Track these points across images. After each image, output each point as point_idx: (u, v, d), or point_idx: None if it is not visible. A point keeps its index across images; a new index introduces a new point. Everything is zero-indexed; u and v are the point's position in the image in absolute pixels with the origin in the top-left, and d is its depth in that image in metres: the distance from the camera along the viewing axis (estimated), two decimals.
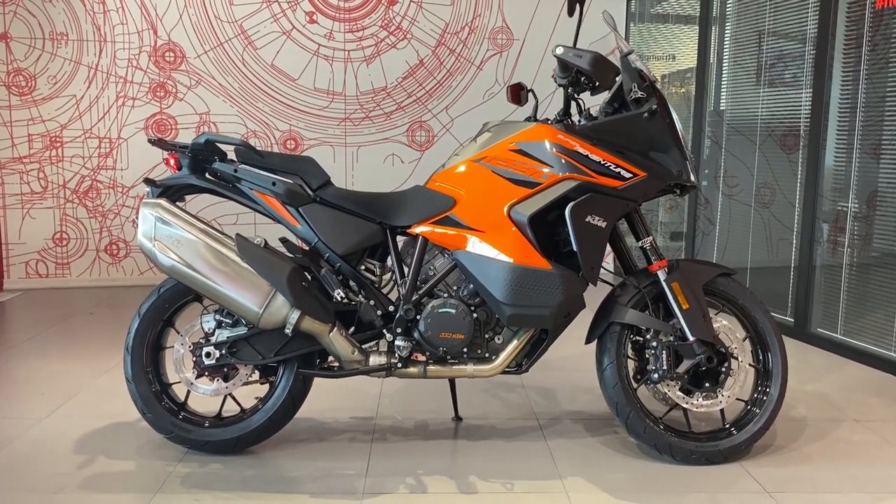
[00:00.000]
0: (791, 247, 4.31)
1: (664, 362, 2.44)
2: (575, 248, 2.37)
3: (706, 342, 2.47)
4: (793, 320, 4.22)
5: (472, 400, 3.05)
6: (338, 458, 2.51)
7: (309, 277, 2.40)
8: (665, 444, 2.46)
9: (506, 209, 2.39)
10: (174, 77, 5.20)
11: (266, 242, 2.40)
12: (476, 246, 2.40)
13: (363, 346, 2.48)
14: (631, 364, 2.58)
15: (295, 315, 2.32)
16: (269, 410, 2.47)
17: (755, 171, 4.70)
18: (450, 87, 5.45)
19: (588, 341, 2.56)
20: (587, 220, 2.37)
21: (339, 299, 2.37)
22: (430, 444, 2.62)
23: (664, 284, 2.49)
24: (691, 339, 2.46)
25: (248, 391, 2.57)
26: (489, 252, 2.38)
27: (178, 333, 2.51)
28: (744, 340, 2.58)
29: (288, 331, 2.34)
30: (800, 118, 4.26)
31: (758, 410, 2.53)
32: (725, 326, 2.54)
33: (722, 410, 2.55)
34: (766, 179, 4.60)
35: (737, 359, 2.53)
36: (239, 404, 2.57)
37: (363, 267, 2.52)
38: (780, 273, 4.39)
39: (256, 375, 2.54)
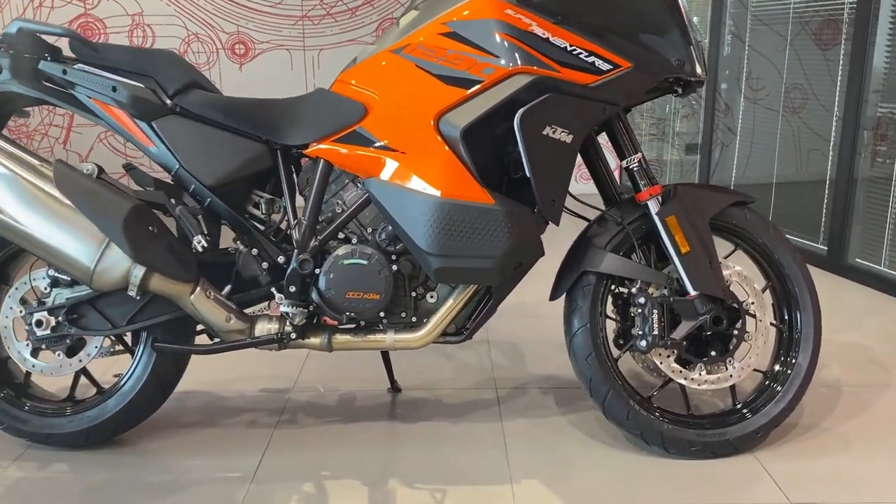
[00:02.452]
0: (826, 160, 3.57)
1: (655, 325, 1.79)
2: (528, 174, 1.69)
3: (713, 297, 1.81)
4: (826, 248, 3.53)
5: (417, 362, 2.43)
6: (226, 451, 1.92)
7: (162, 220, 1.75)
8: (655, 433, 1.84)
9: (433, 119, 1.70)
10: None
11: (100, 171, 1.75)
12: (392, 172, 1.72)
13: (248, 311, 1.85)
14: (611, 325, 1.94)
15: (139, 272, 1.69)
16: (127, 394, 1.87)
17: (784, 71, 3.92)
18: None
19: (553, 297, 1.90)
20: (545, 132, 1.67)
21: (201, 249, 1.72)
22: (348, 430, 2.02)
23: (656, 219, 1.81)
24: (692, 293, 1.80)
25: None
26: (408, 181, 1.70)
27: (8, 291, 1.89)
28: (763, 291, 1.92)
29: (132, 293, 1.71)
30: (843, 5, 3.45)
31: (780, 386, 1.89)
32: (739, 274, 1.88)
33: (733, 387, 1.91)
34: (797, 81, 3.83)
35: (754, 317, 1.87)
36: (96, 384, 1.97)
37: (250, 203, 1.87)
38: (811, 191, 3.67)
39: (120, 344, 1.93)
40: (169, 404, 2.13)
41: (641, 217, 1.85)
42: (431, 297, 1.84)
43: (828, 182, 3.57)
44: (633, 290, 1.83)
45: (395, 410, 2.13)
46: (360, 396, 2.22)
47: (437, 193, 1.67)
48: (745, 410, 1.89)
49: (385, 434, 2.00)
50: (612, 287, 1.89)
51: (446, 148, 1.69)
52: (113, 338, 1.89)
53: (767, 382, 1.92)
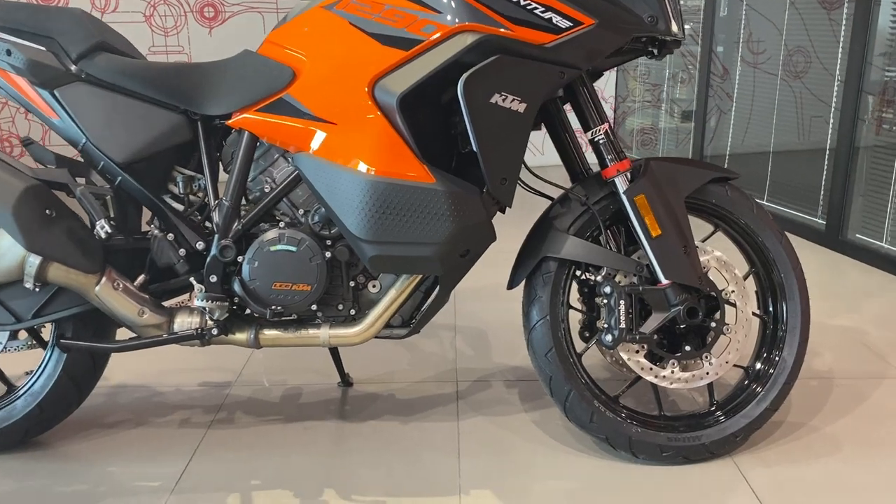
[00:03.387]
0: (828, 127, 3.34)
1: (622, 317, 1.59)
2: (474, 148, 1.47)
3: (687, 286, 1.61)
4: (824, 223, 3.31)
5: (374, 353, 2.25)
6: (149, 456, 1.74)
7: (63, 202, 1.55)
8: (622, 437, 1.65)
9: (368, 86, 1.49)
10: None
11: None
12: (321, 146, 1.52)
13: (166, 304, 1.66)
14: (576, 316, 1.74)
15: (34, 261, 1.49)
16: (37, 395, 1.68)
17: (784, 31, 3.67)
18: None
19: (511, 286, 1.70)
20: (493, 100, 1.46)
21: (104, 235, 1.52)
22: (288, 431, 1.84)
23: (624, 198, 1.60)
24: (664, 282, 1.60)
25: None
26: (338, 156, 1.49)
27: None
28: (746, 278, 1.72)
29: (28, 284, 1.52)
30: None
31: (762, 385, 1.70)
32: (719, 259, 1.67)
33: (711, 385, 1.72)
34: (799, 43, 3.58)
35: (734, 306, 1.67)
36: (7, 382, 1.79)
37: (171, 182, 1.66)
38: (812, 160, 3.45)
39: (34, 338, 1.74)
40: (96, 400, 1.97)
41: (609, 196, 1.64)
42: (374, 286, 1.65)
43: (827, 151, 3.34)
44: (599, 278, 1.63)
45: (343, 408, 1.95)
46: (308, 391, 2.03)
47: (370, 171, 1.46)
48: (722, 411, 1.70)
49: (328, 435, 1.81)
50: (579, 274, 1.69)
51: (382, 118, 1.48)
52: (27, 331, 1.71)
53: (748, 381, 1.73)
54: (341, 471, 1.67)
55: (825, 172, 3.36)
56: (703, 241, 1.69)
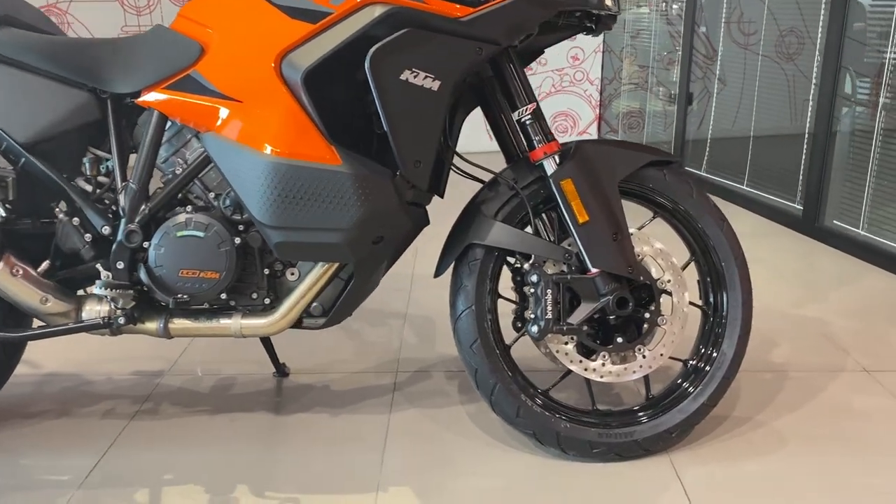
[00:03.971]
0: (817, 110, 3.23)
1: (549, 307, 1.51)
2: (385, 128, 1.39)
3: (617, 276, 1.53)
4: (801, 209, 3.22)
5: (316, 341, 2.18)
6: (64, 448, 1.67)
7: None
8: (550, 433, 1.57)
9: (275, 61, 1.40)
10: None
11: None
12: (226, 125, 1.44)
13: (74, 291, 1.59)
14: (508, 307, 1.66)
15: None
16: None
17: (775, 13, 3.57)
18: None
19: (437, 273, 1.63)
20: (403, 77, 1.37)
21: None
22: (213, 423, 1.77)
23: (551, 182, 1.52)
24: (593, 271, 1.52)
25: None
26: (243, 136, 1.42)
27: None
28: (684, 268, 1.63)
29: None
30: None
31: (699, 379, 1.62)
32: (654, 247, 1.59)
33: (647, 379, 1.64)
34: (792, 24, 3.47)
35: (670, 294, 1.59)
36: None
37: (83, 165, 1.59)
38: (794, 145, 3.34)
39: None
40: (22, 389, 1.91)
41: (539, 180, 1.56)
42: (292, 274, 1.57)
43: (806, 134, 3.24)
44: (526, 266, 1.55)
45: (273, 399, 1.88)
46: (241, 382, 1.97)
47: (272, 152, 1.38)
48: (657, 406, 1.62)
49: (253, 428, 1.75)
50: (513, 261, 1.61)
51: (289, 96, 1.39)
52: None
53: (679, 381, 1.65)
54: (260, 466, 1.60)
55: (804, 157, 3.26)
56: (640, 228, 1.61)
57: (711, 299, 1.64)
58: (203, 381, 1.97)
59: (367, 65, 1.35)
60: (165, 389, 1.93)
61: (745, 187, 3.69)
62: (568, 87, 5.14)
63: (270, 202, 1.38)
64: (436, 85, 1.38)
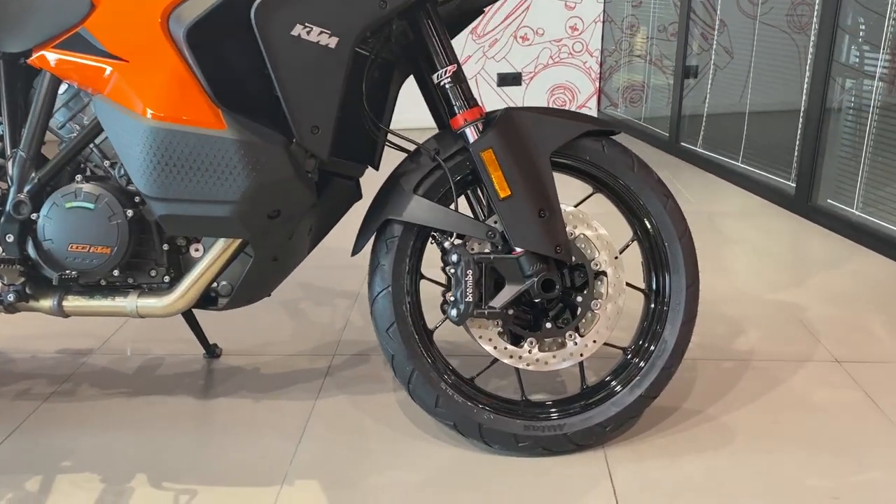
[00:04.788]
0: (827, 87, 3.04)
1: (468, 289, 1.39)
2: (276, 90, 1.27)
3: (545, 256, 1.40)
4: (794, 186, 3.05)
5: (257, 319, 2.08)
6: None
7: None
8: (472, 425, 1.46)
9: (161, 16, 1.28)
10: None
11: None
12: (113, 86, 1.32)
13: None
14: (433, 289, 1.54)
15: None
16: None
17: None
18: None
19: (354, 251, 1.51)
20: (294, 32, 1.24)
21: None
22: (129, 406, 1.68)
23: (472, 152, 1.39)
24: (517, 250, 1.39)
25: None
26: (126, 98, 1.30)
27: None
28: (621, 251, 1.49)
29: None
30: None
31: (636, 369, 1.49)
32: (589, 225, 1.46)
33: (581, 367, 1.52)
34: None
35: (604, 274, 1.45)
36: None
37: None
38: (791, 120, 3.16)
39: None
40: None
41: (463, 151, 1.43)
42: (196, 250, 1.46)
43: (802, 109, 3.06)
44: (446, 244, 1.43)
45: (197, 382, 1.79)
46: (169, 363, 1.87)
47: (153, 115, 1.26)
48: (590, 398, 1.50)
49: (169, 413, 1.65)
50: (439, 239, 1.49)
51: (174, 55, 1.27)
52: None
53: (625, 362, 1.52)
54: (165, 454, 1.51)
55: (798, 132, 3.08)
56: (577, 205, 1.48)
57: (654, 283, 1.51)
58: (130, 362, 1.88)
59: (252, 19, 1.22)
60: (89, 369, 1.84)
61: (740, 164, 3.51)
62: (566, 58, 4.96)
63: (151, 171, 1.26)
64: (333, 42, 1.25)
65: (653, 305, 1.51)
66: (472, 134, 1.38)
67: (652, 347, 1.48)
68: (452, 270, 1.41)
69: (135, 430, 1.59)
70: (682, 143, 4.01)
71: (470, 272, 1.39)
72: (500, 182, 1.36)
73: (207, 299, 1.47)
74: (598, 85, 5.04)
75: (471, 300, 1.39)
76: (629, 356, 1.51)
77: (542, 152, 1.41)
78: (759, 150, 3.42)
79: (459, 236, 1.42)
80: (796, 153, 3.09)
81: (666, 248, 1.47)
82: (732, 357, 1.86)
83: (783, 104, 3.29)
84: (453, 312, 1.40)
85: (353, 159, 1.57)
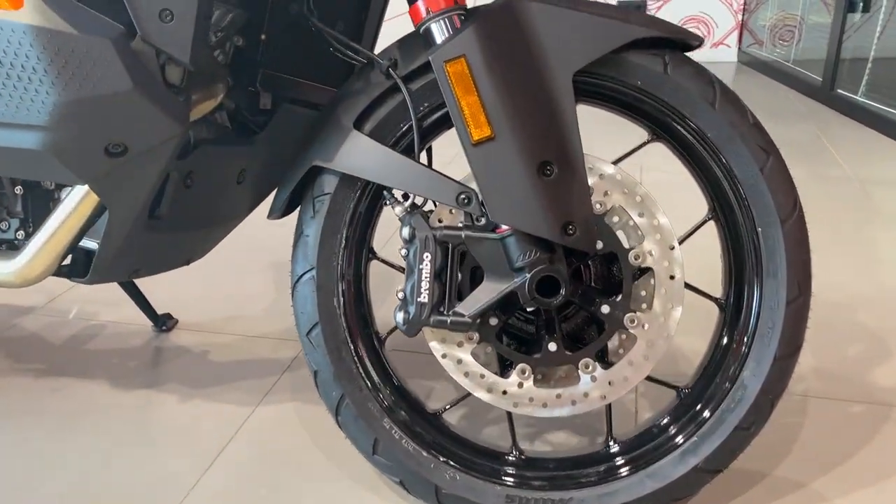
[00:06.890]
0: None
1: (423, 283, 0.88)
2: None
3: (543, 239, 0.86)
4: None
5: (219, 294, 1.67)
6: None
7: None
8: (426, 485, 0.96)
9: None
10: None
11: None
12: None
13: None
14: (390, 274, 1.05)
15: None
16: None
17: None
18: None
19: (272, 212, 1.03)
20: None
21: None
22: (46, 386, 1.31)
23: (431, 63, 0.86)
24: (503, 228, 0.87)
25: None
26: None
27: None
28: (683, 238, 0.93)
29: None
30: None
31: (693, 425, 0.93)
32: (628, 193, 0.90)
33: (608, 411, 0.98)
34: None
35: (650, 272, 0.90)
36: None
37: None
38: None
39: None
40: None
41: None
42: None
43: None
44: (397, 210, 0.92)
45: (126, 364, 1.39)
46: (108, 334, 1.50)
47: None
48: (617, 460, 0.96)
49: (88, 396, 1.28)
50: (397, 203, 0.99)
51: None
52: None
53: (663, 422, 0.96)
54: (66, 445, 1.13)
55: None
56: (619, 160, 0.92)
57: (734, 290, 0.94)
58: (65, 328, 1.52)
59: None
60: (18, 333, 1.50)
61: None
62: None
63: None
64: None
65: (729, 315, 0.94)
66: (438, 32, 0.86)
67: (723, 391, 0.92)
68: (404, 252, 0.91)
69: (35, 417, 1.22)
70: (839, 91, 3.21)
71: (427, 256, 0.88)
72: (475, 113, 0.83)
73: (80, 264, 1.05)
74: (740, 18, 4.22)
75: (426, 300, 0.88)
76: (684, 398, 0.96)
77: (559, 69, 0.86)
78: None
79: (419, 200, 0.92)
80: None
81: (759, 237, 0.89)
82: (867, 398, 1.25)
83: None
84: (399, 317, 0.90)
85: (322, 83, 1.11)
